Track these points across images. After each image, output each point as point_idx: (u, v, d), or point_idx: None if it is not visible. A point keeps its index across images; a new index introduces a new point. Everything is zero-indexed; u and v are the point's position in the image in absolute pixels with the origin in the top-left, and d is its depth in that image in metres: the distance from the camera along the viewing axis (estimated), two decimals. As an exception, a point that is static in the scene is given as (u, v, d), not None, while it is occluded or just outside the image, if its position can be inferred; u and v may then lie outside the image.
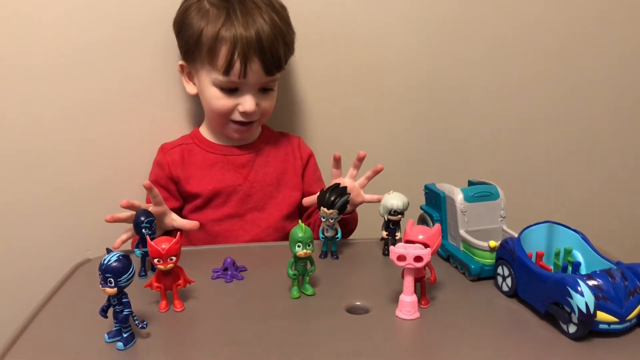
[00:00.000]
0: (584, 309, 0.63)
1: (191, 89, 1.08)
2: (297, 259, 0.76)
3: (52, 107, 1.09)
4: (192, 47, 1.02)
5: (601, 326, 0.66)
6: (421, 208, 0.95)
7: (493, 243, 0.80)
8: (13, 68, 1.06)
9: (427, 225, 0.93)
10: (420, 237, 0.72)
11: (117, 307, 0.66)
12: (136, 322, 0.66)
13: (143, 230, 0.82)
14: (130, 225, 0.92)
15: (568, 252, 0.78)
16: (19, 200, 1.11)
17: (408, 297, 0.72)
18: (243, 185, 1.08)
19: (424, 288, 0.75)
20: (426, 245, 0.71)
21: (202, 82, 1.04)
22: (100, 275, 0.64)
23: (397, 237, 0.90)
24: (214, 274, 0.85)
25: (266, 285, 0.81)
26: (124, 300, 0.66)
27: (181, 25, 1.03)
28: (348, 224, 1.08)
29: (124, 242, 0.94)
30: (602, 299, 0.65)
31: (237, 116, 1.04)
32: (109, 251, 0.65)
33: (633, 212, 1.53)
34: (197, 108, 1.14)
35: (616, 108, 1.45)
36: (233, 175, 1.09)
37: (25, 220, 1.13)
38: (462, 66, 1.30)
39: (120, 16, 1.08)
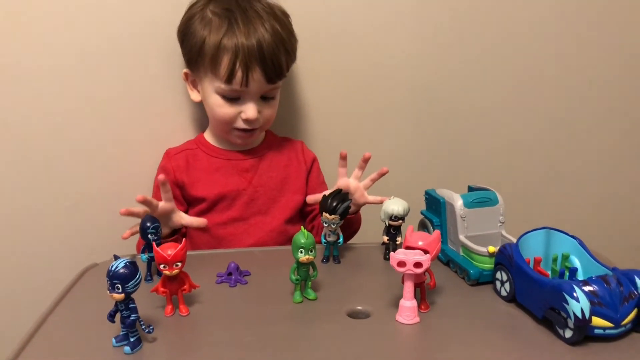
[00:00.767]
0: (579, 315, 0.65)
1: (195, 96, 1.10)
2: (300, 264, 0.78)
3: (59, 113, 1.10)
4: (195, 56, 1.03)
5: (596, 331, 0.67)
6: (422, 213, 0.97)
7: (492, 248, 0.82)
8: (20, 74, 1.07)
9: (428, 230, 0.94)
10: (420, 243, 0.74)
11: (124, 312, 0.68)
12: (143, 326, 0.68)
13: (149, 235, 0.84)
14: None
15: (565, 258, 0.80)
16: (25, 205, 1.13)
17: (408, 302, 0.73)
18: (247, 189, 1.10)
19: (423, 293, 0.77)
20: (426, 252, 0.73)
21: (206, 89, 1.06)
22: (108, 281, 0.66)
23: (397, 242, 0.92)
24: (218, 279, 0.87)
25: (269, 289, 0.83)
26: (131, 305, 0.68)
27: (185, 34, 1.05)
28: (352, 224, 1.10)
29: (133, 234, 0.96)
30: (598, 305, 0.67)
31: (240, 123, 1.06)
32: (116, 258, 0.67)
33: (630, 217, 1.55)
34: (201, 114, 1.16)
35: (613, 119, 1.47)
36: (237, 180, 1.10)
37: (33, 224, 1.14)
38: (463, 74, 1.32)
39: (125, 23, 1.10)
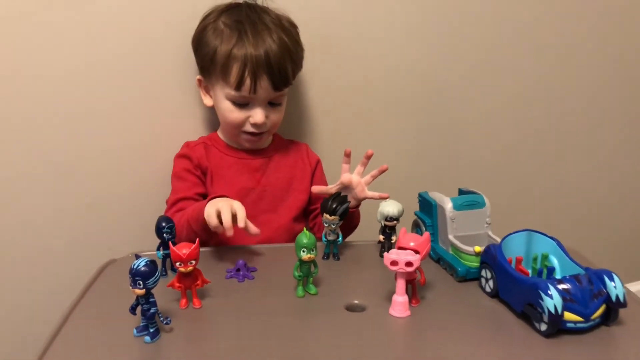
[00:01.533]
0: (552, 310, 0.72)
1: (208, 101, 1.17)
2: (302, 262, 0.85)
3: (80, 115, 1.16)
4: (207, 64, 1.10)
5: (569, 325, 0.74)
6: (415, 214, 1.04)
7: (478, 248, 0.89)
8: (43, 78, 1.12)
9: (420, 229, 1.02)
10: (412, 244, 0.81)
11: (144, 305, 0.75)
12: (161, 318, 0.76)
13: (164, 234, 0.92)
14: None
15: (545, 257, 0.87)
16: (46, 204, 1.19)
17: (400, 298, 0.81)
18: (256, 188, 1.17)
19: (414, 289, 0.84)
20: (416, 252, 0.80)
21: (217, 95, 1.12)
22: (130, 278, 0.73)
23: (392, 241, 0.99)
24: (227, 274, 0.94)
25: (274, 284, 0.90)
26: (151, 299, 0.75)
27: (198, 43, 1.12)
28: (352, 219, 1.16)
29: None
30: (570, 301, 0.74)
31: (248, 127, 1.13)
32: (137, 257, 0.75)
33: (607, 218, 1.69)
34: (213, 116, 1.22)
35: (597, 127, 1.58)
36: (247, 179, 1.17)
37: (54, 223, 1.20)
38: (459, 84, 1.41)
39: (143, 32, 1.15)
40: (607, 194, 1.65)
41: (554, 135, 1.54)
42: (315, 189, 1.14)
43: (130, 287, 0.73)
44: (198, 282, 0.85)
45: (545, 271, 0.85)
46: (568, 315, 0.74)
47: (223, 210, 0.94)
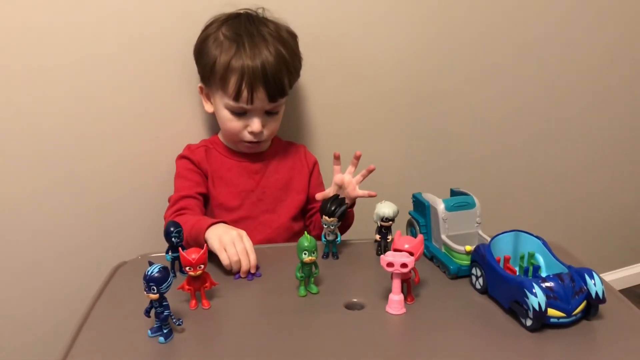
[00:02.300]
0: (537, 307, 0.78)
1: (209, 107, 1.21)
2: (304, 264, 0.91)
3: (87, 121, 1.19)
4: (208, 73, 1.14)
5: (552, 320, 0.80)
6: (409, 214, 1.09)
7: (468, 247, 0.94)
8: (51, 88, 1.14)
9: (415, 228, 1.07)
10: (406, 246, 0.87)
11: (158, 309, 0.80)
12: (174, 320, 0.81)
13: (172, 239, 0.97)
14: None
15: (531, 256, 0.93)
16: (56, 207, 1.22)
17: (396, 296, 0.87)
18: (256, 190, 1.22)
19: (409, 287, 0.90)
20: (411, 253, 0.86)
21: (217, 104, 1.17)
22: (144, 283, 0.78)
23: (388, 240, 1.04)
24: (235, 275, 0.99)
25: (278, 285, 0.96)
26: (164, 303, 0.80)
27: (200, 52, 1.16)
28: (347, 219, 1.21)
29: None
30: (553, 299, 0.80)
31: (246, 135, 1.17)
32: (150, 264, 0.80)
33: (590, 218, 1.83)
34: (215, 119, 1.24)
35: (585, 131, 1.72)
36: (247, 181, 1.22)
37: (65, 226, 1.24)
38: (454, 88, 1.49)
39: (147, 38, 1.18)
40: (585, 194, 1.80)
41: (541, 138, 1.66)
42: (319, 196, 1.17)
43: (145, 292, 0.79)
44: (206, 284, 0.90)
45: (531, 269, 0.90)
46: (551, 312, 0.80)
47: (233, 258, 0.98)
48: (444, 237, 0.99)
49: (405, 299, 0.89)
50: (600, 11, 1.57)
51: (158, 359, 0.78)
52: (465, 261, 0.95)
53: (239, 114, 1.15)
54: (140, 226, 1.27)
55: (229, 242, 0.99)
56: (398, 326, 0.85)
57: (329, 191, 1.15)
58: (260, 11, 1.20)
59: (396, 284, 0.87)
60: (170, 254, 0.99)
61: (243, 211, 1.21)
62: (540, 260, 0.92)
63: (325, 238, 1.05)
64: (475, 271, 0.93)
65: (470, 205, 1.01)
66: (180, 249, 0.90)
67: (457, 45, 1.44)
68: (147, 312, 0.82)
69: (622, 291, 1.94)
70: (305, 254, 0.89)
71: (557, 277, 0.82)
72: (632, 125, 1.78)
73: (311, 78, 1.29)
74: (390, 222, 1.03)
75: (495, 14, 1.46)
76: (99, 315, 0.89)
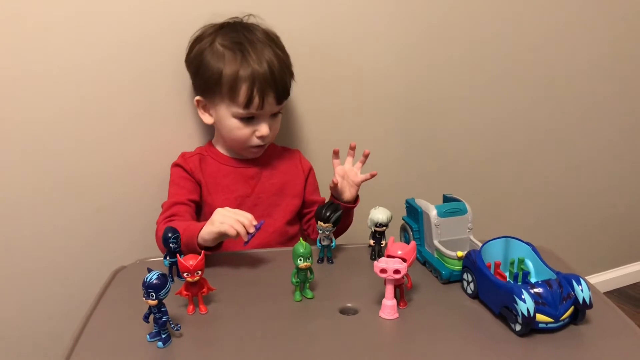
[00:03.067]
0: (526, 313, 0.80)
1: (208, 119, 1.21)
2: (299, 269, 0.93)
3: (84, 128, 1.20)
4: (212, 86, 1.14)
5: (540, 325, 0.82)
6: (403, 219, 1.11)
7: (460, 253, 0.97)
8: (49, 93, 1.15)
9: (408, 233, 1.10)
10: (399, 252, 0.89)
11: (157, 314, 0.82)
12: (172, 325, 0.83)
13: (170, 244, 0.99)
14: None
15: (521, 261, 0.95)
16: (55, 214, 1.23)
17: (389, 302, 0.89)
18: (251, 195, 1.24)
19: (402, 292, 0.92)
20: (404, 259, 0.88)
21: (221, 114, 1.17)
22: (143, 290, 0.80)
23: (382, 245, 1.06)
24: (248, 237, 1.02)
25: (274, 290, 0.97)
26: (163, 309, 0.82)
27: (198, 67, 1.16)
28: (348, 218, 1.25)
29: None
30: (541, 304, 0.82)
31: (254, 141, 1.19)
32: (149, 270, 0.82)
33: (571, 221, 1.88)
34: (209, 126, 1.27)
35: (575, 138, 1.77)
36: (242, 186, 1.24)
37: (63, 230, 1.25)
38: (447, 95, 1.52)
39: (142, 47, 1.20)
40: (577, 197, 1.85)
41: (532, 145, 1.70)
42: (332, 184, 1.21)
43: (144, 298, 0.81)
44: (204, 289, 0.92)
45: (520, 274, 0.93)
46: (540, 317, 0.82)
47: (235, 225, 1.01)
48: (436, 242, 1.01)
49: (398, 303, 0.91)
50: (592, 26, 1.62)
51: (157, 364, 0.80)
52: (457, 266, 0.98)
53: (247, 120, 1.17)
54: (138, 230, 1.28)
55: (223, 215, 1.03)
56: (391, 331, 0.87)
57: (334, 179, 1.19)
58: (245, 18, 1.21)
59: (389, 289, 0.89)
60: (168, 259, 1.01)
61: (239, 216, 1.22)
62: (530, 266, 0.94)
63: (320, 243, 1.07)
64: (467, 276, 0.95)
65: (462, 211, 1.03)
66: (178, 255, 0.92)
67: (450, 52, 1.47)
68: (146, 318, 0.83)
69: (614, 292, 1.98)
70: (300, 260, 0.91)
71: (546, 283, 0.84)
72: (620, 131, 1.83)
73: (305, 84, 1.31)
74: (384, 228, 1.05)
75: (488, 21, 1.48)
76: (98, 320, 0.91)
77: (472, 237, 1.03)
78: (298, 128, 1.40)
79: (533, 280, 0.91)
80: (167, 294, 0.82)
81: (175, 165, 1.23)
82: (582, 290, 0.84)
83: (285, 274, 0.96)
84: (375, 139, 1.46)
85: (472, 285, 0.93)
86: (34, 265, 1.25)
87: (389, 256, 0.89)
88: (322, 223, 1.04)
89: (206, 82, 1.15)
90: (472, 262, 0.93)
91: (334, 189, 1.21)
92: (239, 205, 1.22)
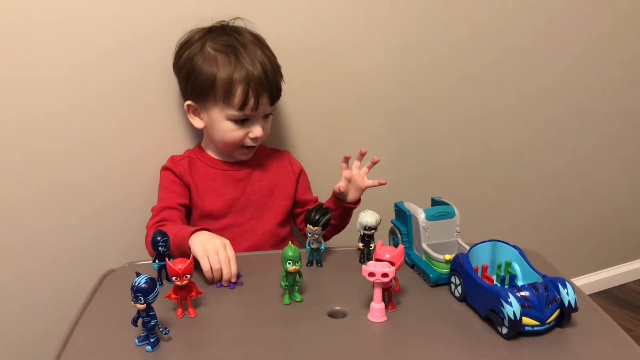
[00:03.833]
0: (512, 316, 0.81)
1: (198, 123, 1.21)
2: (288, 273, 0.93)
3: (75, 131, 1.20)
4: (205, 90, 1.14)
5: (526, 328, 0.83)
6: (392, 222, 1.12)
7: (448, 256, 0.97)
8: (37, 96, 1.15)
9: (396, 236, 1.10)
10: (387, 256, 0.89)
11: (145, 318, 0.82)
12: (160, 329, 0.83)
13: (159, 248, 0.98)
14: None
15: (508, 265, 0.96)
16: (43, 214, 1.23)
17: (377, 305, 0.89)
18: (241, 198, 1.24)
19: (390, 296, 0.93)
20: (392, 263, 0.88)
21: (214, 117, 1.17)
22: (132, 294, 0.80)
23: (371, 248, 1.07)
24: (217, 284, 1.01)
25: (262, 293, 0.98)
26: (151, 313, 0.82)
27: (189, 72, 1.15)
28: (346, 218, 1.26)
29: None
30: (528, 308, 0.83)
31: (248, 142, 1.19)
32: (138, 274, 0.82)
33: (557, 222, 1.90)
34: (196, 130, 1.27)
35: (560, 147, 1.79)
36: (232, 189, 1.24)
37: (51, 232, 1.25)
38: (436, 100, 1.53)
39: (132, 50, 1.19)
40: (564, 199, 1.87)
41: (523, 147, 1.71)
42: (336, 189, 1.21)
43: (132, 302, 0.81)
44: (193, 293, 0.92)
45: (507, 277, 0.93)
46: (526, 320, 0.83)
47: (215, 266, 1.00)
48: (424, 245, 1.02)
49: (387, 306, 0.91)
50: (579, 26, 1.63)
51: (145, 368, 0.80)
52: (445, 269, 0.98)
53: (241, 122, 1.17)
54: (128, 233, 1.28)
55: (212, 250, 1.01)
56: (379, 334, 0.88)
57: (340, 185, 1.19)
58: (232, 21, 1.22)
59: (377, 292, 0.89)
60: (157, 262, 1.01)
61: (229, 219, 1.23)
62: (517, 269, 0.95)
63: (309, 246, 1.08)
64: (454, 279, 0.95)
65: (450, 214, 1.04)
66: (166, 259, 0.92)
67: (440, 53, 1.48)
68: (134, 322, 0.83)
69: (601, 293, 1.99)
70: (289, 263, 0.92)
71: (532, 286, 0.85)
72: (605, 135, 1.85)
73: (294, 85, 1.31)
74: (373, 231, 1.06)
75: (480, 21, 1.49)
76: (87, 323, 0.91)
77: (460, 240, 1.04)
78: (287, 129, 1.40)
79: (520, 283, 0.92)
80: (156, 298, 0.82)
81: (165, 168, 1.23)
82: (567, 293, 0.85)
83: (274, 277, 0.96)
84: (363, 141, 1.47)
85: (459, 288, 0.94)
86: (22, 268, 1.24)
87: (377, 259, 0.90)
88: (311, 226, 1.04)
89: (199, 87, 1.15)
90: (460, 265, 0.93)
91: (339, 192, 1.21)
92: (229, 207, 1.22)
